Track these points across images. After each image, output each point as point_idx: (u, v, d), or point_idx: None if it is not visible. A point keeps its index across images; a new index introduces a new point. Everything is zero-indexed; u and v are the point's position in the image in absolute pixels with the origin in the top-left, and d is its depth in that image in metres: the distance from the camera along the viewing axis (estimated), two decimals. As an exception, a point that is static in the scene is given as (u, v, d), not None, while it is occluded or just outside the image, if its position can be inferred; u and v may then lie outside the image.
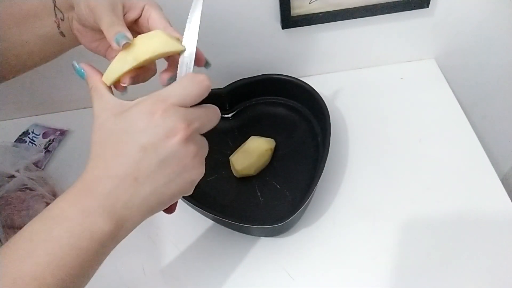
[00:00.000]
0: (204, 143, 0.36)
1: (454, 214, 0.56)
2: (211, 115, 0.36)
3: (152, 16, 0.41)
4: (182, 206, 0.58)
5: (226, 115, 0.68)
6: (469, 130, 0.65)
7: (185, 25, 0.40)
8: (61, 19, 0.43)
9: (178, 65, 0.38)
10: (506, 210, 0.55)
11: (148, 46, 0.37)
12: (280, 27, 0.65)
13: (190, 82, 0.34)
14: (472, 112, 0.81)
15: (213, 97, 0.65)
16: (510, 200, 0.56)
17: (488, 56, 0.75)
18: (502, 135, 0.91)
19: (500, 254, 0.52)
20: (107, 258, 0.55)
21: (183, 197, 0.54)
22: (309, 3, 0.62)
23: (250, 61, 0.72)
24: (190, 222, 0.58)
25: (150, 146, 0.32)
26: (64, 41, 0.45)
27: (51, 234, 0.30)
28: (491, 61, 0.76)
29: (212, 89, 0.67)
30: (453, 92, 0.71)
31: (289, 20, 0.64)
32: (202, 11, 0.40)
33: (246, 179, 0.61)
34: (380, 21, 0.67)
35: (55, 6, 0.42)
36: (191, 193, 0.36)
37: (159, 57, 0.38)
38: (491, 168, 0.60)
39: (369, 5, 0.64)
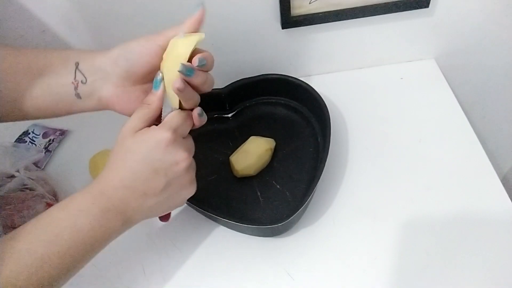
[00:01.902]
0: (195, 165, 0.45)
1: (454, 214, 0.56)
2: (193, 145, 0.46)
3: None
4: (182, 206, 0.58)
5: (226, 115, 0.68)
6: (469, 130, 0.65)
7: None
8: (82, 82, 0.43)
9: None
10: (506, 210, 0.55)
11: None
12: (280, 27, 0.65)
13: (188, 118, 0.44)
14: (472, 112, 0.82)
15: (213, 97, 0.66)
16: (510, 200, 0.56)
17: (488, 56, 0.75)
18: (502, 135, 0.91)
19: (500, 254, 0.52)
20: (107, 258, 0.56)
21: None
22: (309, 3, 0.62)
23: (250, 61, 0.72)
24: (190, 222, 0.58)
25: (161, 170, 0.41)
26: (79, 104, 0.44)
27: (75, 224, 0.38)
28: (491, 61, 0.76)
29: (212, 89, 0.68)
30: (453, 92, 0.71)
31: (289, 20, 0.64)
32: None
33: (246, 179, 0.61)
34: (380, 21, 0.67)
35: (76, 68, 0.43)
36: (183, 205, 0.47)
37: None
38: (491, 168, 0.60)
39: (369, 5, 0.64)
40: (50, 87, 0.43)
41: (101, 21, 0.63)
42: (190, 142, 0.44)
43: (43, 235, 0.37)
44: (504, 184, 0.57)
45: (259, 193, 0.59)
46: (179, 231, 0.58)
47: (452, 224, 0.55)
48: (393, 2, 0.63)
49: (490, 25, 0.69)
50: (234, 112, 0.69)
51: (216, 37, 0.67)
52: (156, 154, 0.40)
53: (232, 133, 0.67)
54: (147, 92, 0.44)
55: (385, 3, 0.63)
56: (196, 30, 0.43)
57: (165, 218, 0.51)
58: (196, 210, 0.56)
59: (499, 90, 0.82)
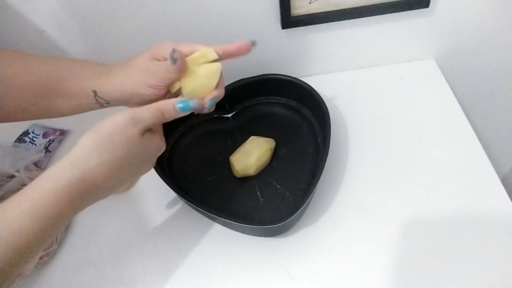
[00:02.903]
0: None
1: (454, 214, 0.56)
2: None
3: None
4: (182, 206, 0.58)
5: (226, 115, 0.68)
6: (469, 130, 0.65)
7: None
8: (106, 103, 0.47)
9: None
10: (506, 210, 0.55)
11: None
12: (280, 27, 0.65)
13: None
14: (472, 112, 0.82)
15: (213, 97, 0.66)
16: (510, 200, 0.56)
17: (488, 56, 0.75)
18: (502, 135, 0.91)
19: (500, 254, 0.52)
20: (107, 258, 0.55)
21: (183, 197, 0.54)
22: (309, 3, 0.62)
23: (250, 61, 0.71)
24: (190, 222, 0.58)
25: (141, 173, 0.44)
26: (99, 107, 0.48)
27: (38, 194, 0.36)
28: (491, 61, 0.76)
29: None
30: (453, 92, 0.71)
31: (289, 20, 0.64)
32: None
33: (246, 179, 0.61)
34: (380, 21, 0.67)
35: (95, 95, 0.45)
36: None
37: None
38: (491, 168, 0.60)
39: (369, 5, 0.64)
40: (72, 106, 0.47)
41: (99, 22, 0.64)
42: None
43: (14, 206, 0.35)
44: (504, 184, 0.57)
45: (259, 193, 0.59)
46: (179, 231, 0.58)
47: (452, 224, 0.55)
48: (393, 2, 0.63)
49: (490, 25, 0.69)
50: (234, 112, 0.69)
51: (216, 37, 0.67)
52: (152, 159, 0.44)
53: (232, 133, 0.67)
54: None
55: (385, 3, 0.63)
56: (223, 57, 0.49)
57: None
58: (196, 210, 0.56)
59: (499, 90, 0.82)
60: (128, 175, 0.41)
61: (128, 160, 0.39)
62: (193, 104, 0.43)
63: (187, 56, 0.44)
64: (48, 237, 0.37)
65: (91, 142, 0.38)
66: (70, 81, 0.45)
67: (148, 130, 0.42)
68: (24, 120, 0.47)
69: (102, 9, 0.61)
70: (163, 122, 0.43)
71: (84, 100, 0.46)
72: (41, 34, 0.64)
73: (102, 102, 0.46)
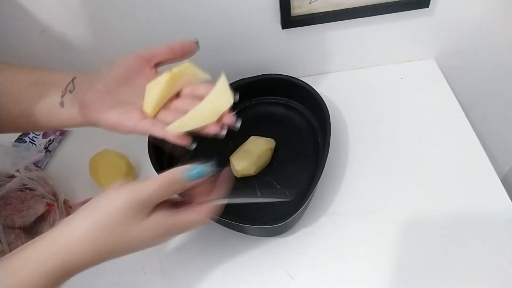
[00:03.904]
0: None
1: (454, 214, 0.56)
2: None
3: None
4: (182, 206, 0.58)
5: (226, 115, 0.68)
6: (469, 130, 0.65)
7: None
8: (70, 91, 0.44)
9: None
10: (506, 210, 0.55)
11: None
12: (280, 27, 0.65)
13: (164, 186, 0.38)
14: (472, 112, 0.81)
15: (213, 97, 0.65)
16: (510, 200, 0.56)
17: (488, 56, 0.75)
18: (502, 135, 0.91)
19: (500, 254, 0.52)
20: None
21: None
22: (309, 3, 0.62)
23: (250, 61, 0.72)
24: (190, 222, 0.58)
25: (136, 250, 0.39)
26: (60, 113, 0.44)
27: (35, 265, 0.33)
28: (491, 61, 0.76)
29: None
30: (453, 92, 0.71)
31: (289, 20, 0.64)
32: None
33: (246, 179, 0.61)
34: (380, 21, 0.67)
35: (71, 81, 0.44)
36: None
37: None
38: (491, 168, 0.60)
39: (369, 5, 0.64)
40: (38, 94, 0.44)
41: (99, 22, 0.64)
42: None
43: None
44: (504, 184, 0.57)
45: (259, 193, 0.59)
46: (179, 231, 0.58)
47: (452, 224, 0.55)
48: (393, 2, 0.63)
49: (490, 25, 0.69)
50: (234, 112, 0.69)
51: (217, 37, 0.67)
52: (170, 236, 0.39)
53: (232, 133, 0.67)
54: (119, 103, 0.43)
55: (385, 3, 0.63)
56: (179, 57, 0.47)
57: None
58: (196, 210, 0.56)
59: (499, 90, 0.82)
60: (126, 253, 0.38)
61: (128, 246, 0.37)
62: (207, 169, 0.39)
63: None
64: None
65: (85, 226, 0.34)
66: (56, 71, 0.45)
67: (160, 206, 0.37)
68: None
69: (102, 9, 0.61)
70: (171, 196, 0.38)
71: (54, 90, 0.44)
72: (41, 34, 0.64)
73: (67, 90, 0.43)
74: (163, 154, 0.63)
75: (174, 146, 0.42)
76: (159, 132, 0.42)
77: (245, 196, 0.59)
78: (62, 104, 0.44)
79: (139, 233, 0.36)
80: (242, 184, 0.60)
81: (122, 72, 0.43)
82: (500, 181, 0.58)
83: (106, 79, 0.43)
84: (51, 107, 0.44)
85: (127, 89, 0.44)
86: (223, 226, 0.57)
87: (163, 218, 0.37)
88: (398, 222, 0.55)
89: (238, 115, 0.69)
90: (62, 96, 0.44)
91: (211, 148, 0.65)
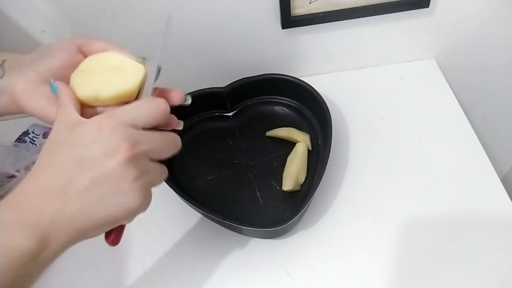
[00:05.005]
0: (154, 170, 0.34)
1: (454, 214, 0.56)
2: (167, 142, 0.35)
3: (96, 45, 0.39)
4: (183, 206, 0.58)
5: (227, 114, 0.68)
6: (469, 130, 0.65)
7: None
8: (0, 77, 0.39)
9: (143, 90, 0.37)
10: (506, 210, 0.55)
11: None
12: (280, 27, 0.65)
13: (146, 103, 0.34)
14: (472, 112, 0.82)
15: (214, 96, 0.66)
16: (510, 200, 0.56)
17: (488, 56, 0.75)
18: (502, 135, 0.91)
19: (500, 254, 0.52)
20: (107, 258, 0.55)
21: (183, 197, 0.54)
22: (309, 3, 0.62)
23: (250, 61, 0.72)
24: (190, 222, 0.58)
25: (87, 160, 0.31)
26: None
27: None
28: (491, 61, 0.76)
29: (213, 88, 0.68)
30: (453, 92, 0.71)
31: (289, 20, 0.64)
32: (167, 34, 0.39)
33: (246, 179, 0.60)
34: (380, 21, 0.67)
35: (1, 65, 0.40)
36: (129, 222, 0.34)
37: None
38: (491, 168, 0.60)
39: (369, 5, 0.64)
40: None
41: (99, 21, 0.64)
42: (141, 133, 0.33)
43: None
44: (504, 184, 0.57)
45: (258, 194, 0.59)
46: (179, 231, 0.58)
47: (452, 224, 0.55)
48: (393, 2, 0.63)
49: (490, 25, 0.69)
50: (235, 111, 0.69)
51: (217, 37, 0.67)
52: (84, 139, 0.31)
53: (232, 132, 0.67)
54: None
55: (385, 3, 0.63)
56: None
57: (110, 239, 0.36)
58: (196, 210, 0.56)
59: (499, 90, 0.82)
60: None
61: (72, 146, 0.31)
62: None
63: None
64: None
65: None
66: None
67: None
68: None
69: (102, 8, 0.61)
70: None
71: None
72: (41, 34, 0.64)
73: None
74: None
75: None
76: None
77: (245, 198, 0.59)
78: None
79: (73, 133, 0.32)
80: (242, 183, 0.60)
81: (57, 63, 0.39)
82: (500, 181, 0.58)
83: (40, 69, 0.39)
84: None
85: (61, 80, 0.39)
86: (223, 228, 0.57)
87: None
88: (398, 222, 0.55)
89: (239, 114, 0.69)
90: None
91: (212, 148, 0.65)
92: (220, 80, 0.65)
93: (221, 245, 0.56)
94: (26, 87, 0.38)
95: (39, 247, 0.29)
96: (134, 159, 0.31)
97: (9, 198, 0.30)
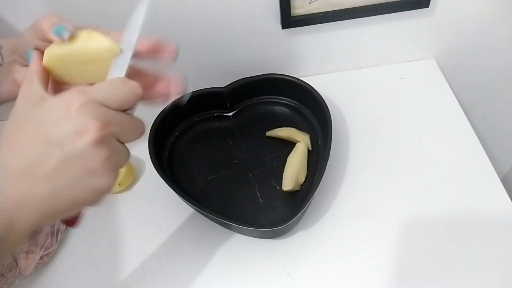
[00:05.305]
0: (122, 150, 0.31)
1: (454, 214, 0.56)
2: (136, 126, 0.33)
3: None
4: (183, 206, 0.58)
5: (226, 114, 0.68)
6: (469, 130, 0.65)
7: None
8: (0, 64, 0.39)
9: (110, 68, 0.34)
10: (506, 210, 0.55)
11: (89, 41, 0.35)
12: (280, 27, 0.65)
13: (120, 84, 0.31)
14: (472, 112, 0.82)
15: (214, 96, 0.66)
16: (510, 200, 0.56)
17: (488, 56, 0.75)
18: (502, 135, 0.91)
19: (500, 254, 0.52)
20: (107, 257, 0.55)
21: (183, 197, 0.54)
22: (309, 3, 0.62)
23: (250, 61, 0.72)
24: (191, 222, 0.58)
25: (55, 139, 0.28)
26: None
27: None
28: (491, 61, 0.76)
29: (213, 88, 0.68)
30: (453, 92, 0.71)
31: (289, 20, 0.64)
32: (146, 14, 0.36)
33: (246, 180, 0.60)
34: (380, 21, 0.67)
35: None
36: (96, 205, 0.32)
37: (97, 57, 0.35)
38: (491, 168, 0.60)
39: (369, 5, 0.64)
40: None
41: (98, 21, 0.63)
42: (113, 113, 0.30)
43: None
44: (504, 184, 0.57)
45: (258, 194, 0.59)
46: (179, 231, 0.58)
47: (452, 224, 0.55)
48: (393, 2, 0.63)
49: (490, 25, 0.69)
50: (235, 111, 0.69)
51: (217, 37, 0.67)
52: (51, 115, 0.29)
53: (232, 132, 0.67)
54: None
55: (385, 3, 0.63)
56: None
57: (71, 222, 0.35)
58: (196, 210, 0.56)
59: (499, 90, 0.82)
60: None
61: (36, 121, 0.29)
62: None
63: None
64: None
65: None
66: None
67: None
68: None
69: (102, 8, 0.61)
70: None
71: None
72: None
73: None
74: (163, 154, 0.63)
75: None
76: None
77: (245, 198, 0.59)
78: None
79: (39, 109, 0.30)
80: (242, 184, 0.60)
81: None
82: (500, 181, 0.58)
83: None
84: None
85: None
86: (223, 227, 0.57)
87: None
88: (398, 222, 0.55)
89: (239, 114, 0.69)
90: None
91: (211, 146, 0.65)
92: (220, 80, 0.65)
93: (221, 245, 0.56)
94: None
95: (5, 231, 0.28)
96: (105, 139, 0.29)
97: None
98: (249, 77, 0.66)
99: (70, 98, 0.29)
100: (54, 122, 0.28)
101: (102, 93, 0.30)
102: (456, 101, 0.69)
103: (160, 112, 0.61)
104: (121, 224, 0.59)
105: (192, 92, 0.61)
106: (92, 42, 0.35)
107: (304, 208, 0.51)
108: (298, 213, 0.51)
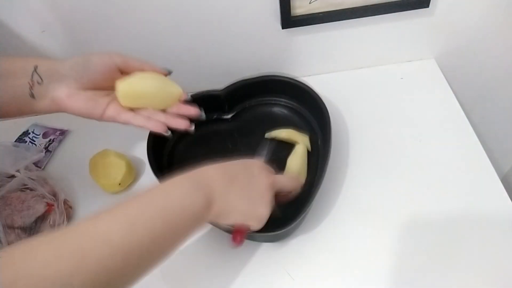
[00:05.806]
0: (273, 202, 0.46)
1: (454, 214, 0.56)
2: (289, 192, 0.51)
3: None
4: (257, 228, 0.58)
5: (225, 117, 0.68)
6: (469, 130, 0.65)
7: None
8: (38, 82, 0.46)
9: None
10: (506, 210, 0.55)
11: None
12: (280, 27, 0.65)
13: (294, 182, 0.51)
14: (472, 112, 0.82)
15: (211, 99, 0.66)
16: (510, 200, 0.56)
17: (488, 56, 0.75)
18: (502, 135, 0.91)
19: (500, 254, 0.52)
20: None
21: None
22: (309, 3, 0.62)
23: (250, 61, 0.72)
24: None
25: (249, 169, 0.46)
26: (32, 103, 0.47)
27: (168, 194, 0.39)
28: (491, 61, 0.76)
29: (210, 91, 0.68)
30: (453, 92, 0.71)
31: (289, 20, 0.64)
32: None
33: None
34: (380, 21, 0.67)
35: (34, 70, 0.46)
36: (258, 228, 0.46)
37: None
38: (491, 168, 0.60)
39: (369, 5, 0.64)
40: (6, 87, 0.45)
41: (99, 21, 0.64)
42: (281, 184, 0.48)
43: (139, 199, 0.38)
44: (504, 184, 0.57)
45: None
46: (179, 231, 0.58)
47: (452, 224, 0.55)
48: (393, 2, 0.63)
49: (490, 25, 0.69)
50: (233, 114, 0.69)
51: (216, 37, 0.67)
52: (255, 170, 0.46)
53: (231, 134, 0.67)
54: (96, 97, 0.48)
55: (385, 3, 0.63)
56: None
57: (237, 239, 0.47)
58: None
59: (499, 90, 0.82)
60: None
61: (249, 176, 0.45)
62: None
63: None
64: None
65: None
66: (16, 61, 0.46)
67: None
68: None
69: (102, 8, 0.61)
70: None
71: (21, 80, 0.45)
72: (41, 34, 0.64)
73: (34, 81, 0.46)
74: (163, 155, 0.63)
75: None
76: (140, 121, 0.49)
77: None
78: (32, 95, 0.46)
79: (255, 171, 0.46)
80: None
81: (99, 77, 0.48)
82: (500, 181, 0.58)
83: (83, 80, 0.47)
84: (20, 99, 0.46)
85: (101, 90, 0.49)
86: (223, 231, 0.57)
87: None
88: (398, 222, 0.55)
89: (238, 116, 0.69)
90: (31, 88, 0.46)
91: (212, 152, 0.65)
92: (220, 80, 0.65)
93: (222, 245, 0.56)
94: (70, 93, 0.47)
95: (206, 210, 0.40)
96: (271, 187, 0.46)
97: (194, 170, 0.43)
98: (246, 79, 0.66)
99: (267, 183, 0.46)
100: (252, 163, 0.48)
101: (282, 184, 0.48)
102: (456, 101, 0.69)
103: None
104: (121, 224, 0.59)
105: (191, 95, 0.61)
106: (168, 86, 0.51)
107: (306, 212, 0.51)
108: (300, 217, 0.51)
